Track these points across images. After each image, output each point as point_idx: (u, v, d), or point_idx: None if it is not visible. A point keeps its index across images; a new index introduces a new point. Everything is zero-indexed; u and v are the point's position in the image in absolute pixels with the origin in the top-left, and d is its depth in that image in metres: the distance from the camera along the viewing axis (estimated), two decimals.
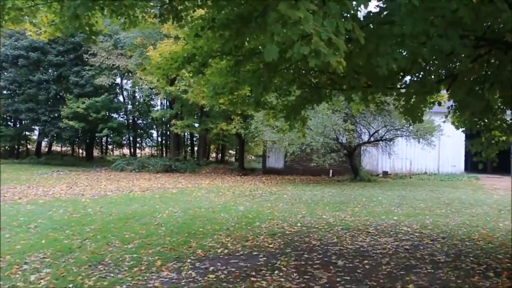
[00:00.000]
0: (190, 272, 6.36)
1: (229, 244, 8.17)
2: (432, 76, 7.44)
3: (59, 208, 12.04)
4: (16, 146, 39.81)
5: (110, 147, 51.65)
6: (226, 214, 11.54)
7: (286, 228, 9.87)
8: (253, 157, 49.68)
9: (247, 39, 7.22)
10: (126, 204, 13.11)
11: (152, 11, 7.59)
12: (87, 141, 38.97)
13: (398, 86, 8.23)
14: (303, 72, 9.14)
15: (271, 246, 8.12)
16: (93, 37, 6.57)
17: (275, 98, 10.17)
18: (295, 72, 9.20)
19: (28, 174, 24.89)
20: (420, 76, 7.38)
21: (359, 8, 4.56)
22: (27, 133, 40.61)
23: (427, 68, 6.93)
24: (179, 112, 29.99)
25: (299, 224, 10.32)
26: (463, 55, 6.17)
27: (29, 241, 8.15)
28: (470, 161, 30.64)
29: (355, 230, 9.77)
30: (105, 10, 6.87)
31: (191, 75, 8.74)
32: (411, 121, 8.82)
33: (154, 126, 44.20)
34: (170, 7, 6.70)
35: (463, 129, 9.70)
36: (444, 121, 11.13)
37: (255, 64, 8.63)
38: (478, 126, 8.79)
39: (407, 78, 8.28)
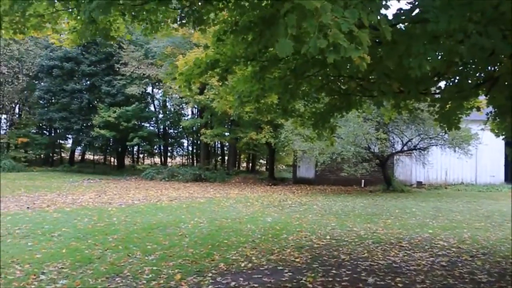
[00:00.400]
0: (210, 287, 6.04)
1: (253, 258, 7.82)
2: (470, 80, 6.95)
3: (84, 217, 11.95)
4: (51, 154, 40.54)
5: (141, 156, 52.12)
6: (252, 225, 11.20)
7: (314, 241, 9.46)
8: (283, 166, 49.17)
9: (271, 43, 6.91)
10: (152, 214, 12.93)
11: (174, 16, 7.38)
12: (119, 149, 39.31)
13: (432, 91, 7.75)
14: (332, 78, 8.79)
15: (297, 260, 7.73)
16: (110, 42, 6.39)
17: (303, 106, 9.80)
18: (323, 78, 8.88)
19: (60, 181, 25.18)
20: (457, 80, 6.89)
21: (387, 3, 4.18)
22: (61, 141, 41.30)
23: (464, 70, 6.43)
24: (208, 121, 29.92)
25: (328, 237, 9.89)
26: (504, 56, 5.69)
27: (50, 250, 8.02)
28: (510, 171, 29.44)
29: (387, 244, 9.28)
30: (126, 16, 6.71)
31: (220, 83, 8.49)
32: (446, 129, 8.30)
33: (185, 135, 44.38)
34: (190, 11, 6.47)
35: (504, 136, 9.11)
36: (482, 129, 10.50)
37: (282, 70, 8.32)
38: None
39: (442, 83, 7.80)
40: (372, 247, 8.98)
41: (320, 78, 8.81)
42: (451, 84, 6.99)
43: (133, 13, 6.53)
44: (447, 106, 7.83)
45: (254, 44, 6.54)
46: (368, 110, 9.85)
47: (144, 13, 6.75)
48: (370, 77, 8.46)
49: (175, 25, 7.16)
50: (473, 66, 6.35)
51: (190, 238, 9.44)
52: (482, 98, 7.94)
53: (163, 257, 7.69)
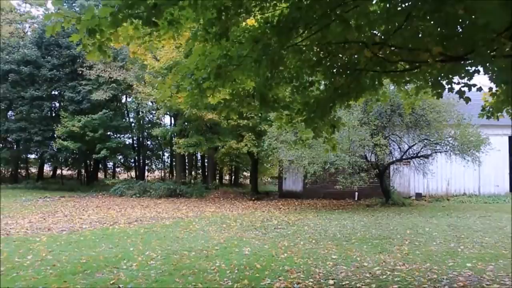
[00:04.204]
0: None
1: None
2: None
3: None
4: (18, 169, 36.89)
5: (117, 170, 48.67)
6: (223, 262, 8.09)
7: None
8: (268, 179, 46.08)
9: None
10: (92, 246, 9.72)
11: None
12: (88, 163, 35.77)
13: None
14: (333, 46, 5.85)
15: None
16: None
17: (291, 93, 6.78)
18: (320, 48, 5.92)
19: (10, 201, 21.70)
20: None
21: None
22: (26, 155, 37.47)
23: None
24: (183, 130, 26.74)
25: (331, 281, 6.81)
26: None
27: None
28: None
29: None
30: None
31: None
32: None
33: (163, 147, 41.13)
34: None
35: None
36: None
37: (254, 29, 5.39)
38: None
39: None
40: None
41: (315, 48, 5.89)
42: None
43: None
44: None
45: None
46: (384, 97, 6.90)
47: None
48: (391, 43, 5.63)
49: None
50: None
51: None
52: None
53: None
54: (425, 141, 19.66)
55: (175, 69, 6.17)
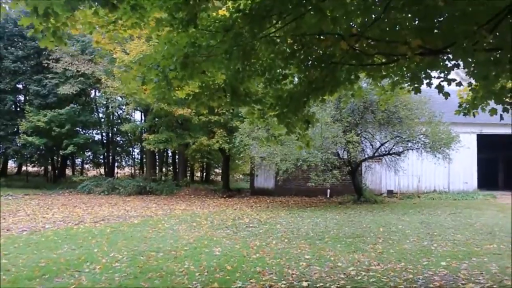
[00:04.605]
0: None
1: None
2: None
3: None
4: None
5: (86, 166, 47.51)
6: (192, 263, 7.73)
7: None
8: (240, 175, 45.73)
9: None
10: (53, 247, 9.20)
11: None
12: (55, 159, 34.66)
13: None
14: (307, 38, 5.56)
15: None
16: None
17: (263, 86, 6.47)
18: (294, 40, 5.64)
19: None
20: None
21: None
22: None
23: None
24: (153, 126, 26.12)
25: (305, 283, 6.54)
26: None
27: None
28: (483, 178, 27.32)
29: None
30: None
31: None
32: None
33: (133, 143, 40.21)
34: None
35: None
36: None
37: (228, 15, 5.08)
38: None
39: None
40: None
41: (289, 40, 5.60)
42: None
43: None
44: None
45: None
46: (345, 100, 6.64)
47: None
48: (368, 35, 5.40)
49: None
50: None
51: None
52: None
53: None
54: (397, 138, 19.65)
55: (140, 58, 5.75)
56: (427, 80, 5.32)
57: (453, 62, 4.90)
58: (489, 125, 26.17)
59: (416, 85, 5.23)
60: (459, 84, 5.34)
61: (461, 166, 25.57)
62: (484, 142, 27.05)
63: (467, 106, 6.75)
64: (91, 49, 27.87)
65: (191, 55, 4.97)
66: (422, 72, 5.20)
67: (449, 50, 4.68)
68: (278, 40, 5.49)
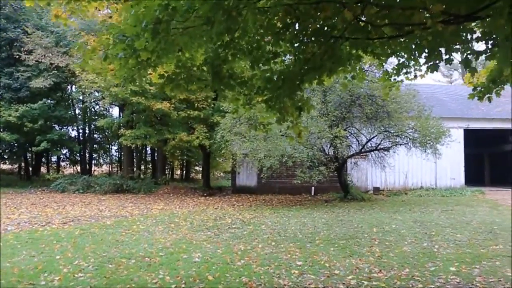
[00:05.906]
0: None
1: None
2: None
3: None
4: None
5: (63, 164, 45.86)
6: (168, 272, 6.73)
7: None
8: (221, 173, 44.66)
9: None
10: (11, 253, 8.06)
11: None
12: (28, 156, 33.10)
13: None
14: (302, 8, 4.64)
15: None
16: None
17: (250, 67, 5.49)
18: (287, 11, 4.70)
19: None
20: None
21: None
22: None
23: None
24: (130, 121, 24.90)
25: None
26: None
27: None
28: (470, 173, 26.86)
29: None
30: None
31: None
32: None
33: (111, 140, 38.74)
34: None
35: None
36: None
37: None
38: None
39: None
40: None
41: (281, 11, 4.68)
42: None
43: None
44: None
45: None
46: (360, 75, 5.75)
47: None
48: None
49: None
50: None
51: None
52: None
53: None
54: (385, 133, 18.88)
55: (102, 27, 4.73)
56: (446, 56, 4.43)
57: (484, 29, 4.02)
58: (476, 119, 25.74)
59: (436, 62, 4.33)
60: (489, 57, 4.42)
61: (448, 162, 25.02)
62: (470, 138, 26.60)
63: (482, 89, 5.92)
64: (66, 41, 26.53)
65: (164, 21, 3.98)
66: (442, 45, 4.30)
67: (480, 15, 3.80)
68: (268, 12, 4.56)
